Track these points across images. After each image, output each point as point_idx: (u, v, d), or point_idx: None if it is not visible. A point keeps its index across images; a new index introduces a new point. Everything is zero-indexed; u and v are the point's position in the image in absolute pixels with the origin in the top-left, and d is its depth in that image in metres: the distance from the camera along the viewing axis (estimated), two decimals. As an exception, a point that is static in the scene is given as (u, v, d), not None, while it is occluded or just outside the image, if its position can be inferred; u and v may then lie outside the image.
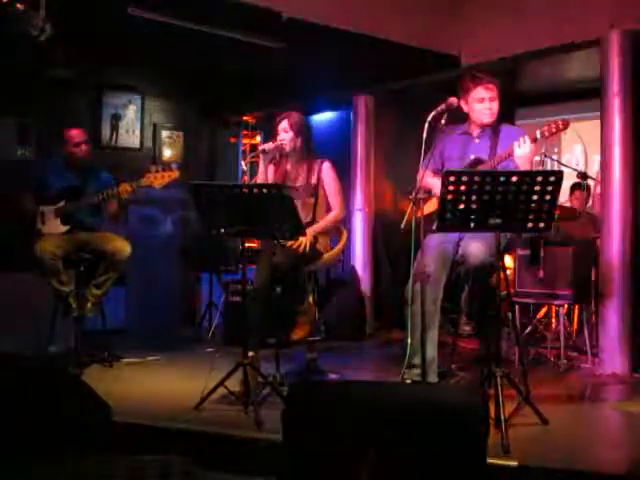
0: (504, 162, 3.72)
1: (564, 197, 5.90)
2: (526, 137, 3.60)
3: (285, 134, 4.20)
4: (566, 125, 3.59)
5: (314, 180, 4.22)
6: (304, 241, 4.01)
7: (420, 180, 3.76)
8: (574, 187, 6.01)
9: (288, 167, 4.31)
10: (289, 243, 4.01)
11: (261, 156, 4.18)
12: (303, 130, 4.24)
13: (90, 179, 4.95)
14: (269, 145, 4.18)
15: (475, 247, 3.68)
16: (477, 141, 3.98)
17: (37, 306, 4.85)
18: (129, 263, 4.90)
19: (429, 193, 3.94)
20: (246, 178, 7.68)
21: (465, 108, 3.95)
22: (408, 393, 2.49)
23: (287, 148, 4.22)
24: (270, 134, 7.49)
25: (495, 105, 3.91)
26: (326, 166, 4.25)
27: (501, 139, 3.90)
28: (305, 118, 4.35)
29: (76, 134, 4.93)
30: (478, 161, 3.83)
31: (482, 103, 3.89)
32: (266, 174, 4.17)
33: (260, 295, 3.94)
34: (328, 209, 4.28)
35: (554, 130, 3.59)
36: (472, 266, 3.67)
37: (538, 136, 3.61)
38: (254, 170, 7.69)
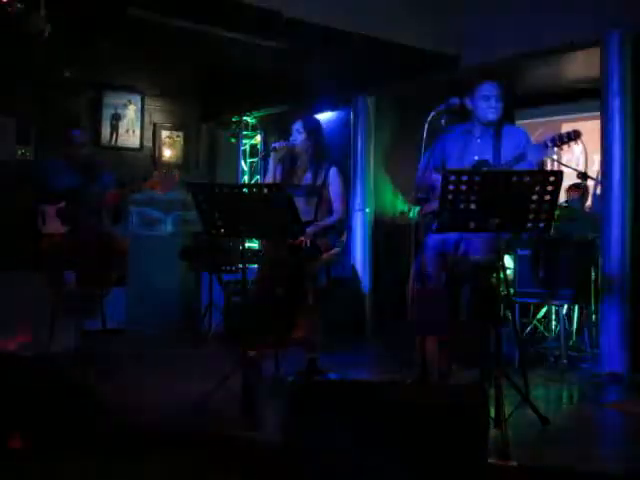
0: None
1: (564, 197, 5.89)
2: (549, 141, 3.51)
3: (298, 135, 4.28)
4: (578, 135, 3.50)
5: (319, 182, 4.27)
6: (303, 239, 4.03)
7: (419, 179, 3.75)
8: (570, 187, 5.99)
9: (297, 167, 4.36)
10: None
11: (272, 154, 4.28)
12: (316, 133, 4.32)
13: (91, 180, 4.95)
14: (280, 143, 4.27)
15: (476, 245, 3.67)
16: (479, 141, 3.93)
17: (37, 306, 4.85)
18: (129, 263, 4.91)
19: (429, 194, 3.92)
20: (246, 178, 7.68)
21: (469, 106, 3.93)
22: (408, 393, 2.50)
23: (298, 149, 4.29)
24: (269, 134, 7.57)
25: (500, 105, 3.88)
26: (333, 171, 4.30)
27: (504, 139, 3.86)
28: (319, 122, 4.43)
29: (78, 135, 4.93)
30: (483, 164, 3.80)
31: (488, 101, 3.86)
32: (275, 173, 4.30)
33: (261, 295, 3.96)
34: (330, 211, 4.31)
35: (565, 140, 3.51)
36: (473, 264, 3.67)
37: (549, 144, 3.54)
38: (256, 170, 7.72)
